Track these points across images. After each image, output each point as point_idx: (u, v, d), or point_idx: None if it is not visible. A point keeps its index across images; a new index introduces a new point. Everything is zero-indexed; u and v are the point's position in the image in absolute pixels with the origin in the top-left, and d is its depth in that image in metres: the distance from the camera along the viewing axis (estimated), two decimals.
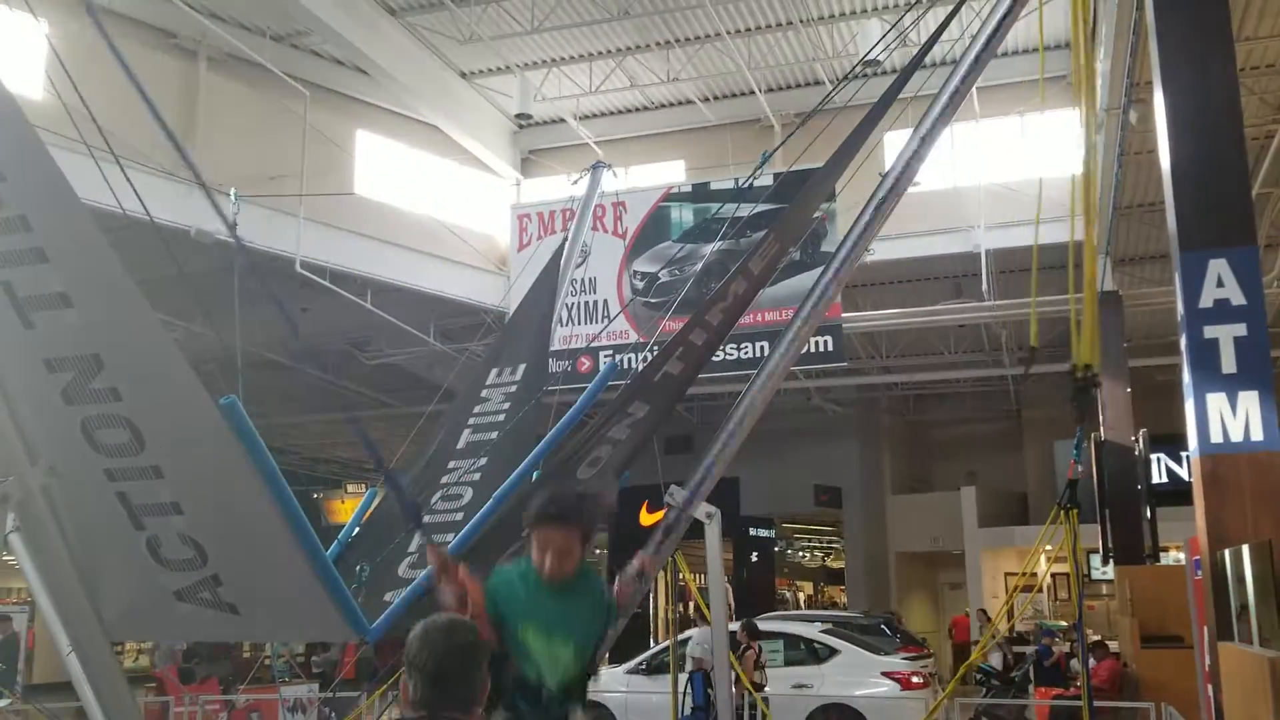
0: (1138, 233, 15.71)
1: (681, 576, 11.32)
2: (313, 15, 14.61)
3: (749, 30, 16.89)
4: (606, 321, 17.00)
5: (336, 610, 3.55)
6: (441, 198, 19.01)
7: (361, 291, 17.48)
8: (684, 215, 17.46)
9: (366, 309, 17.59)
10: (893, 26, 8.62)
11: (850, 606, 25.65)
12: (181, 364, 3.13)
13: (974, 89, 5.87)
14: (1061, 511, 7.94)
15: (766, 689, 11.97)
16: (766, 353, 5.25)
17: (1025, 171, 16.97)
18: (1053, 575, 22.99)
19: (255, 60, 15.62)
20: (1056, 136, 16.90)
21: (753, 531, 25.10)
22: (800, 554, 37.18)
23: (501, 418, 5.88)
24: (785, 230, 5.53)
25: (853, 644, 13.92)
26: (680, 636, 12.41)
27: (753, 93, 18.07)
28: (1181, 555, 14.23)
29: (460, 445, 5.88)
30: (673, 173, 19.43)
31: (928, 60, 6.27)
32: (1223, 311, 6.78)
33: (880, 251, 14.63)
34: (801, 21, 16.46)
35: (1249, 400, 6.63)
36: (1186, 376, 6.92)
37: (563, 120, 19.11)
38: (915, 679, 13.12)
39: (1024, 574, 15.72)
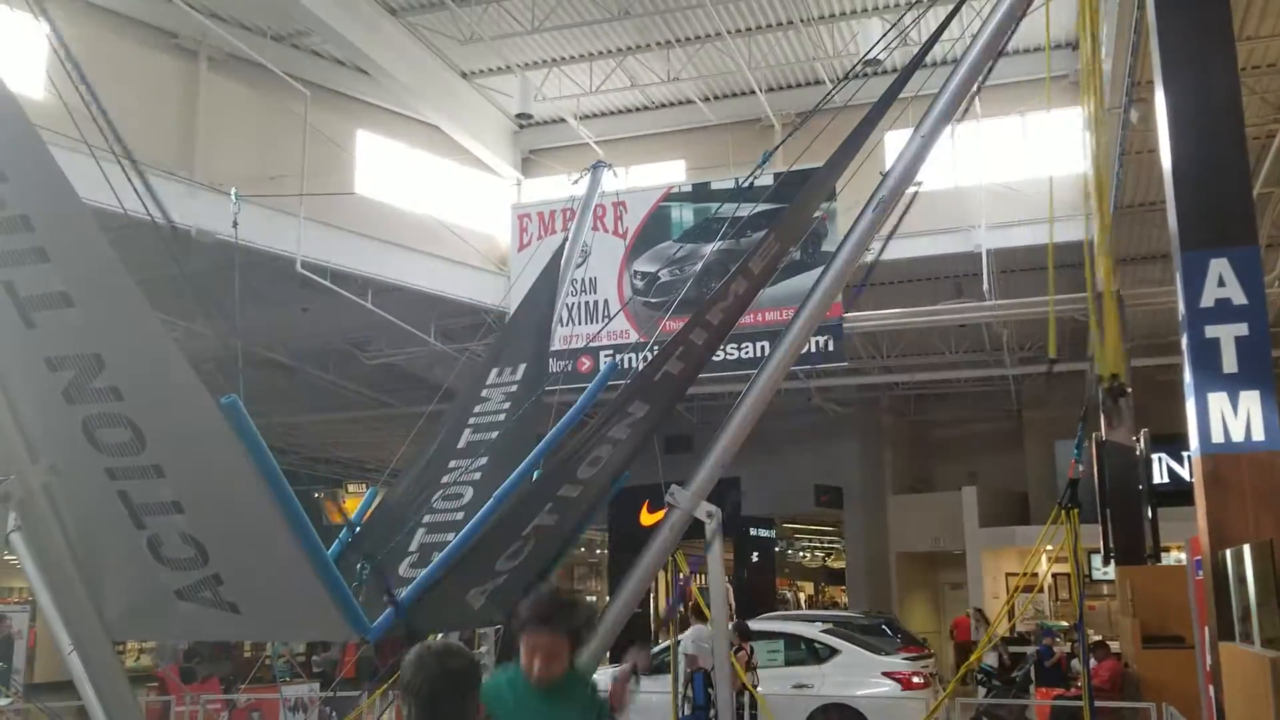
0: (1139, 232, 15.70)
1: (682, 576, 11.32)
2: (313, 15, 14.62)
3: (749, 30, 16.89)
4: (606, 321, 17.00)
5: (337, 609, 3.55)
6: (442, 198, 19.02)
7: (362, 291, 17.49)
8: (684, 215, 17.47)
9: (367, 309, 17.60)
10: (893, 25, 8.61)
11: (851, 607, 25.65)
12: (182, 363, 3.13)
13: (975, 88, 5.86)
14: (1062, 511, 7.94)
15: (758, 689, 11.99)
16: (767, 352, 5.24)
17: (1026, 171, 17.00)
18: (1054, 575, 22.99)
19: (256, 60, 15.63)
20: (1059, 136, 16.95)
21: (753, 531, 25.10)
22: (801, 554, 37.19)
23: (502, 417, 5.88)
24: (786, 230, 5.52)
25: (853, 644, 13.92)
26: (681, 636, 12.42)
27: (753, 92, 18.08)
28: (1183, 555, 14.21)
29: (460, 445, 5.88)
30: (673, 172, 19.44)
31: (928, 59, 6.26)
32: (1224, 311, 6.79)
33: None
34: (802, 21, 16.46)
35: (1250, 400, 6.64)
36: (1188, 376, 6.92)
37: (563, 120, 19.12)
38: (916, 679, 13.11)
39: (1025, 574, 15.72)
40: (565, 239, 7.45)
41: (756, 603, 21.49)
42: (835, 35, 17.02)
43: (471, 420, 6.01)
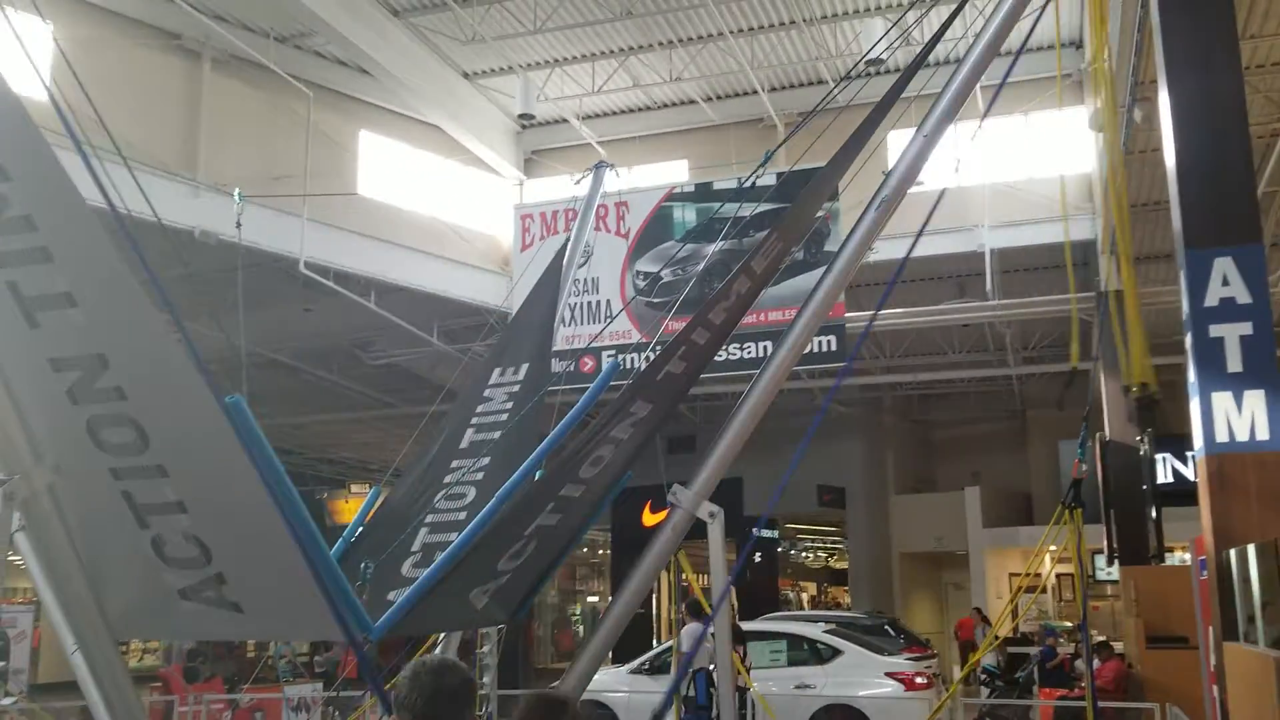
0: (1142, 231, 15.69)
1: (684, 576, 11.32)
2: (316, 16, 14.63)
3: (751, 29, 16.89)
4: (609, 321, 17.00)
5: (340, 609, 3.56)
6: (444, 198, 19.03)
7: (365, 292, 17.51)
8: (686, 215, 17.46)
9: (370, 309, 17.62)
10: (894, 24, 8.60)
11: (854, 607, 25.63)
12: (186, 364, 3.14)
13: (977, 87, 5.85)
14: (1066, 511, 7.93)
15: (750, 691, 12.00)
16: (769, 352, 5.24)
17: (1029, 171, 16.99)
18: (1057, 576, 22.97)
19: (259, 61, 15.64)
20: (1064, 135, 16.93)
21: (756, 532, 25.06)
22: (804, 554, 37.18)
23: (504, 417, 5.88)
24: (788, 229, 5.52)
25: (856, 644, 13.90)
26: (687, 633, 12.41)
27: (755, 92, 18.08)
28: (1187, 555, 14.18)
29: (463, 445, 5.88)
30: (675, 172, 19.44)
31: (931, 59, 6.26)
32: (1228, 310, 6.78)
33: (883, 251, 14.57)
34: (804, 20, 16.46)
35: (1255, 399, 6.63)
36: (1192, 375, 6.91)
37: (565, 120, 19.12)
38: (919, 679, 13.10)
39: (1028, 574, 15.69)
40: (568, 239, 7.45)
41: (759, 603, 21.48)
42: (837, 35, 17.01)
43: (474, 420, 6.02)
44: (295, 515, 3.36)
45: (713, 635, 12.31)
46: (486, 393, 6.18)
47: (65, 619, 3.65)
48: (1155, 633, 12.16)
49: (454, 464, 5.74)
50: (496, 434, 5.81)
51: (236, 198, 12.60)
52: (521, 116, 18.57)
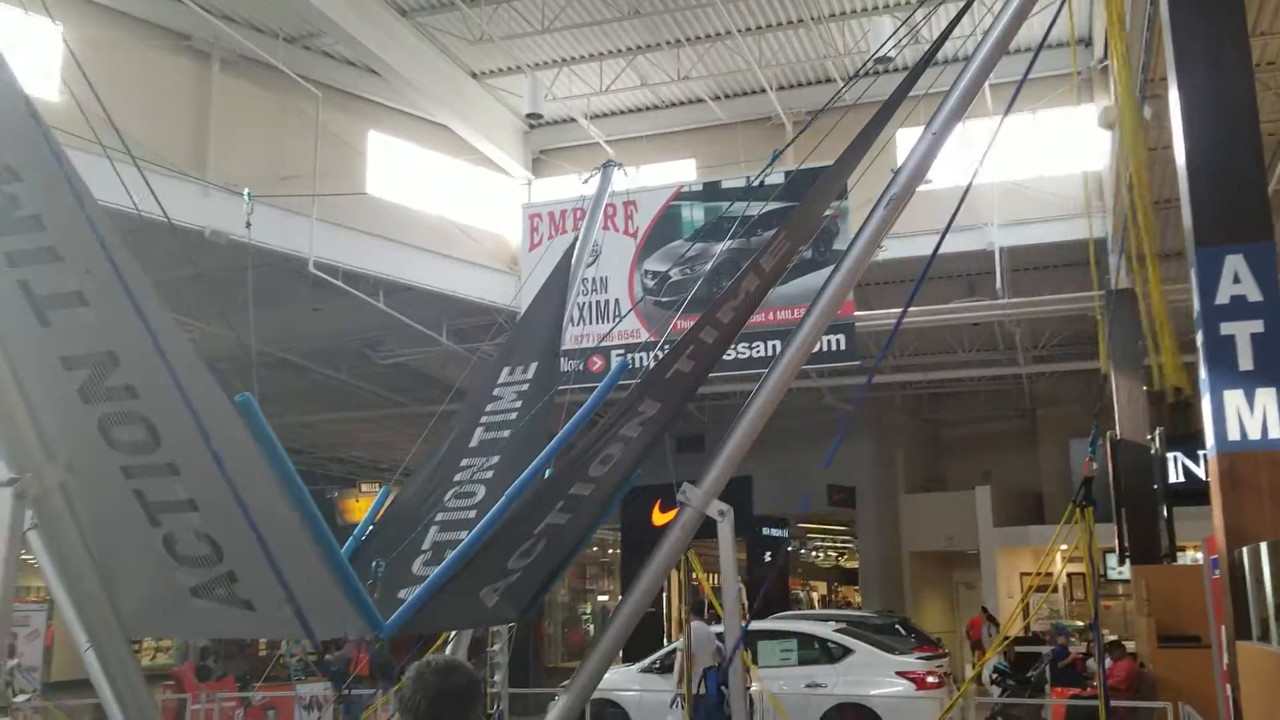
0: (1154, 229, 15.61)
1: (695, 575, 11.32)
2: (325, 17, 14.67)
3: (759, 28, 16.87)
4: (617, 320, 17.01)
5: (351, 607, 3.57)
6: (453, 198, 19.05)
7: (374, 291, 17.55)
8: (695, 214, 17.46)
9: (379, 309, 17.65)
10: (904, 23, 8.60)
11: (864, 606, 25.61)
12: (196, 362, 3.15)
13: (986, 85, 5.84)
14: (1077, 510, 7.91)
15: (751, 690, 12.02)
16: (778, 351, 5.23)
17: (1039, 169, 16.95)
18: (1069, 575, 22.91)
19: (268, 62, 15.69)
20: (1074, 133, 16.89)
21: (766, 531, 25.08)
22: (814, 554, 37.14)
23: (514, 416, 5.89)
24: (797, 228, 5.52)
25: (867, 643, 13.90)
26: (712, 630, 12.42)
27: (764, 91, 18.06)
28: (1199, 554, 14.14)
29: (473, 443, 5.89)
30: (683, 171, 19.43)
31: (939, 57, 6.25)
32: (1239, 308, 6.75)
33: (892, 249, 14.56)
34: (812, 19, 16.44)
35: (1267, 397, 6.59)
36: (1203, 374, 6.88)
37: (573, 120, 19.13)
38: (930, 679, 13.09)
39: (1039, 573, 15.66)
40: (576, 238, 7.45)
41: (769, 602, 21.48)
42: (846, 33, 16.99)
43: (483, 419, 6.02)
44: (306, 514, 3.37)
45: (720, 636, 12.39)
46: (496, 391, 6.19)
47: (78, 617, 3.66)
48: (1167, 632, 12.13)
49: (464, 463, 5.75)
50: (506, 433, 5.82)
51: (246, 198, 12.62)
52: (529, 116, 18.58)
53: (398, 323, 18.27)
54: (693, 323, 4.79)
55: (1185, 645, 11.64)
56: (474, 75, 18.46)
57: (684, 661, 11.65)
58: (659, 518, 19.56)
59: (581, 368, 16.01)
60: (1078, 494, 7.75)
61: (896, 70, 15.40)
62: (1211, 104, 7.15)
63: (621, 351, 16.67)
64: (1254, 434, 6.60)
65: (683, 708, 11.78)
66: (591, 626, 32.88)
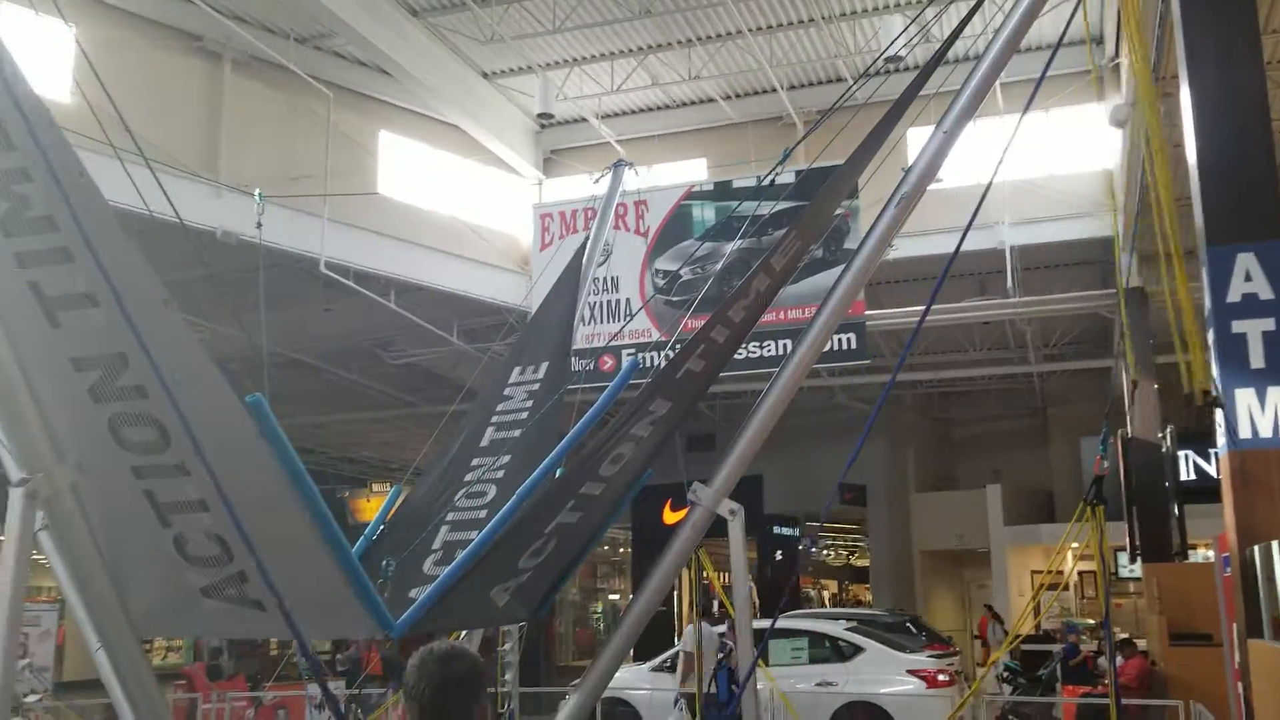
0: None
1: (705, 574, 11.31)
2: (336, 17, 14.70)
3: (770, 27, 16.86)
4: (628, 319, 17.01)
5: (362, 607, 3.57)
6: (464, 198, 19.09)
7: (385, 291, 17.58)
8: (706, 213, 17.45)
9: (390, 309, 17.69)
10: (913, 21, 8.58)
11: (875, 604, 25.57)
12: (207, 362, 3.16)
13: (997, 84, 5.83)
14: (1088, 509, 7.87)
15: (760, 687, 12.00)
16: (788, 351, 5.21)
17: (1049, 168, 16.90)
18: (1079, 573, 22.85)
19: (279, 62, 15.73)
20: (1085, 131, 16.84)
21: (776, 530, 25.05)
22: (825, 552, 37.11)
23: (524, 415, 5.89)
24: (807, 227, 5.51)
25: (878, 642, 13.88)
26: (716, 630, 12.41)
27: (774, 90, 18.04)
28: (1210, 553, 14.08)
29: (484, 443, 5.89)
30: (694, 171, 19.43)
31: (950, 56, 6.23)
32: (1251, 306, 6.73)
33: (903, 248, 14.58)
34: (823, 18, 16.42)
35: (1278, 395, 6.57)
36: (1215, 372, 6.86)
37: (584, 119, 19.13)
38: (941, 677, 13.06)
39: (1050, 572, 15.61)
40: (587, 238, 7.45)
41: (778, 600, 21.43)
42: (856, 32, 16.96)
43: (494, 418, 6.03)
44: (316, 514, 3.38)
45: (721, 635, 12.39)
46: (506, 391, 6.19)
47: (89, 617, 3.68)
48: (1179, 630, 12.09)
49: (474, 462, 5.75)
50: (517, 432, 5.82)
51: (257, 198, 12.67)
52: (540, 116, 18.60)
53: (409, 323, 18.31)
54: (703, 322, 4.79)
55: (1196, 643, 11.60)
56: (485, 75, 18.49)
57: (685, 662, 11.66)
58: (669, 517, 19.53)
59: (592, 367, 16.01)
60: (1088, 493, 7.71)
61: (907, 69, 15.34)
62: (1223, 102, 7.13)
63: (632, 351, 16.67)
64: (1265, 432, 6.58)
65: (685, 709, 11.79)
66: (602, 625, 32.91)
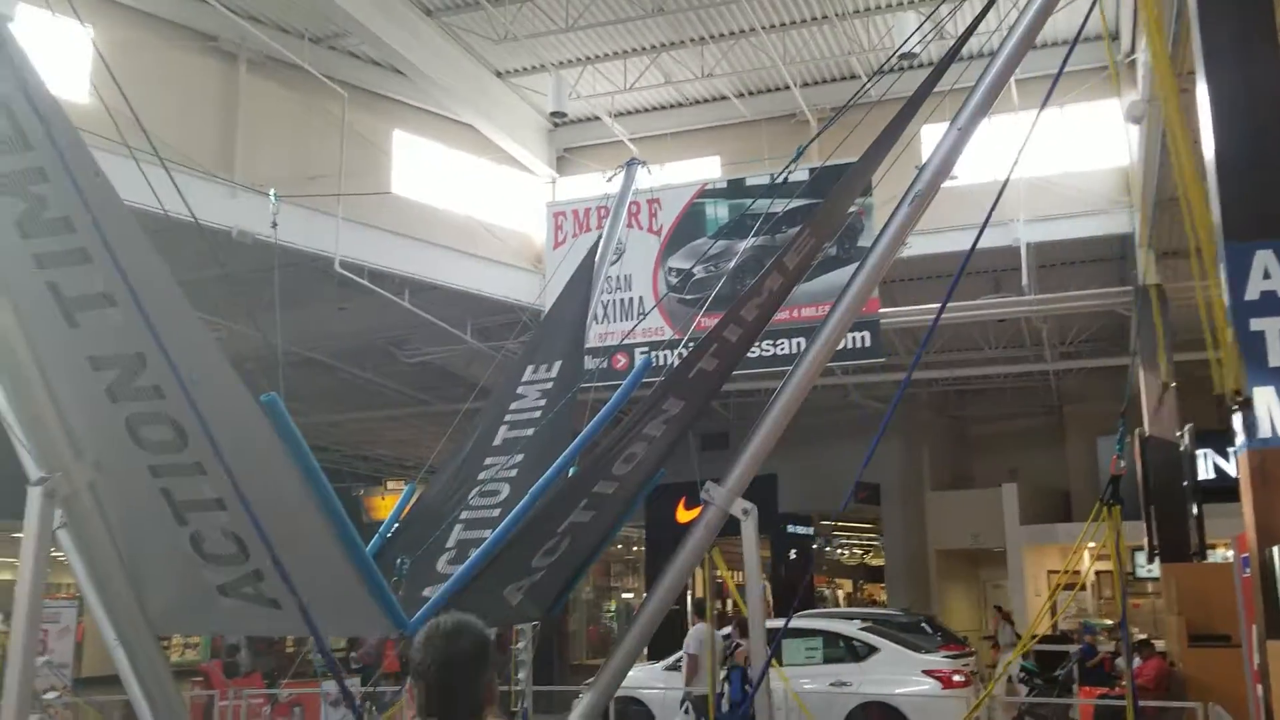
0: (1180, 224, 15.46)
1: (719, 573, 11.31)
2: (350, 17, 14.74)
3: (784, 25, 16.82)
4: (641, 318, 17.01)
5: (376, 605, 3.58)
6: (478, 196, 19.12)
7: (399, 290, 17.62)
8: (719, 211, 17.43)
9: (404, 308, 17.73)
10: (927, 18, 8.54)
11: (890, 604, 25.48)
12: (223, 362, 3.18)
13: (1012, 80, 5.80)
14: (1104, 508, 7.83)
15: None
16: (802, 349, 5.21)
17: (1064, 165, 16.81)
18: (1096, 573, 22.72)
19: (294, 62, 15.78)
20: (1100, 128, 16.75)
21: (790, 529, 25.00)
22: (839, 551, 37.03)
23: (537, 414, 5.90)
24: (821, 225, 5.50)
25: (893, 642, 13.83)
26: (719, 633, 12.39)
27: (788, 88, 18.00)
28: (1229, 553, 13.99)
29: (497, 441, 5.90)
30: (708, 169, 19.41)
31: (964, 52, 6.21)
32: (1270, 303, 6.67)
33: (917, 246, 14.53)
34: (837, 15, 16.37)
35: None
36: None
37: (598, 118, 19.14)
38: (956, 677, 13.01)
39: (1066, 571, 15.53)
40: (600, 236, 7.46)
41: (793, 601, 21.38)
42: (870, 29, 16.92)
43: (508, 417, 6.04)
44: (331, 512, 3.39)
45: (725, 637, 12.37)
46: (520, 390, 6.21)
47: (107, 614, 3.70)
48: (1197, 631, 12.01)
49: (488, 461, 5.76)
50: (530, 431, 5.83)
51: (272, 198, 12.72)
52: (554, 114, 18.60)
53: (423, 321, 18.35)
54: (716, 320, 4.78)
55: (1215, 644, 11.52)
56: (498, 74, 18.51)
57: (689, 665, 11.66)
58: (683, 516, 19.53)
59: (605, 365, 16.02)
60: (1105, 492, 7.66)
61: (921, 66, 15.31)
62: (1240, 98, 7.07)
63: (645, 349, 16.67)
64: None
65: (688, 711, 11.79)
66: (615, 624, 32.91)
